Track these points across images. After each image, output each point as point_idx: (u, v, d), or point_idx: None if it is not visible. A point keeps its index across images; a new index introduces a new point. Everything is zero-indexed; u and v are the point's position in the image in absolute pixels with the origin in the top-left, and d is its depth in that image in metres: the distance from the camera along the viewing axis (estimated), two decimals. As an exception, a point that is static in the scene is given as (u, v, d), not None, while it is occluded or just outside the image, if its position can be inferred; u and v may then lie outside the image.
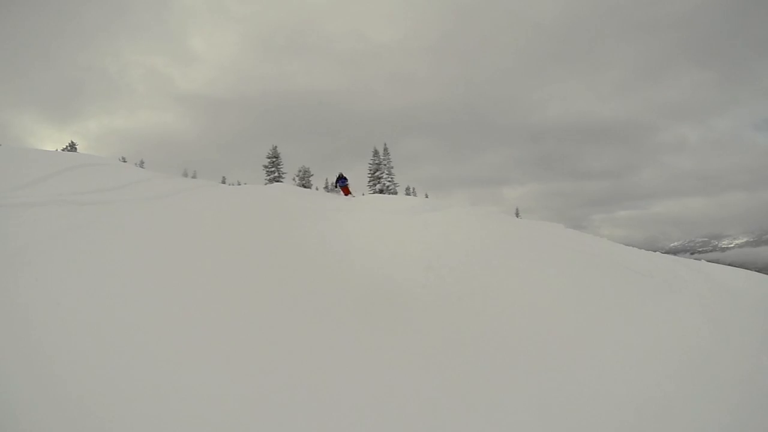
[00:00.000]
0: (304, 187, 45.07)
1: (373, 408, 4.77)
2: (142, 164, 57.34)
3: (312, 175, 54.18)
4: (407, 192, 57.87)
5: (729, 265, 14.19)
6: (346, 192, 27.83)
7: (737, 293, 10.44)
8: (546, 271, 9.41)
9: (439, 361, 5.93)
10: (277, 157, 50.74)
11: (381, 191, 47.96)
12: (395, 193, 47.64)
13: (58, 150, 40.57)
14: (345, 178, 27.86)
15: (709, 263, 14.34)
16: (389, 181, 50.58)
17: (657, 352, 7.14)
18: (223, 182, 49.54)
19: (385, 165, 51.00)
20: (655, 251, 15.24)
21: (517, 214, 53.81)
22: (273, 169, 50.27)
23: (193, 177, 51.41)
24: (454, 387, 5.35)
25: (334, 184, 29.58)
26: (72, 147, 53.31)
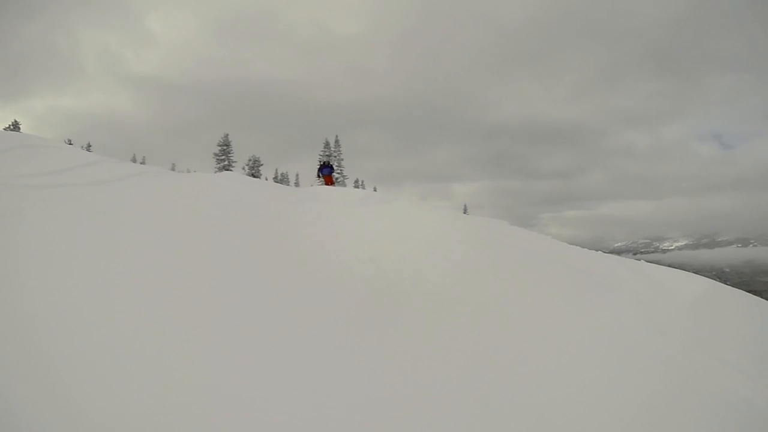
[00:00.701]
0: (254, 176, 44.58)
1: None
2: (89, 147, 56.01)
3: (262, 165, 53.84)
4: (356, 184, 57.99)
5: (668, 266, 14.62)
6: (330, 182, 26.23)
7: (675, 292, 10.83)
8: (487, 266, 9.43)
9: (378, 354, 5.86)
10: (228, 145, 50.37)
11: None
12: (344, 185, 47.66)
13: (-1, 129, 39.12)
14: (331, 167, 26.45)
15: (649, 263, 14.83)
16: (338, 173, 50.64)
17: (594, 348, 7.29)
18: (173, 169, 48.79)
19: (335, 157, 51.06)
20: (599, 251, 15.57)
21: (465, 211, 54.38)
22: (223, 157, 49.89)
23: (142, 163, 50.42)
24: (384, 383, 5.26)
25: (318, 173, 27.26)
26: (15, 126, 51.66)
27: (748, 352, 9.01)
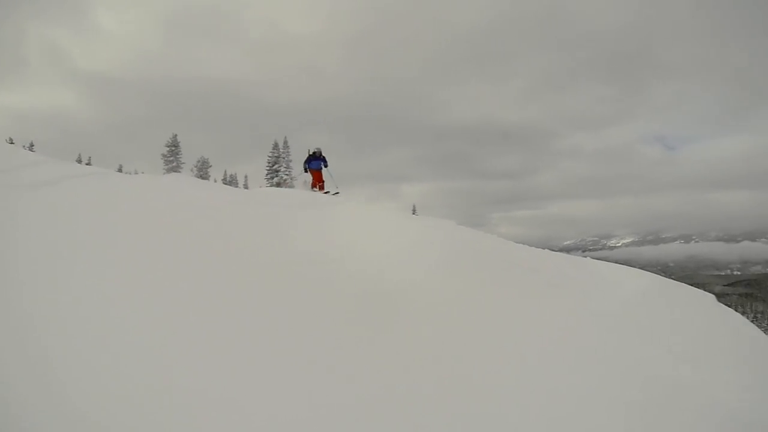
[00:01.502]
0: (202, 178, 43.70)
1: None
2: (31, 147, 54.27)
3: (211, 166, 53.08)
4: (305, 186, 57.56)
5: (616, 262, 14.98)
6: (318, 180, 20.24)
7: (620, 287, 11.09)
8: (434, 267, 9.34)
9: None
10: (176, 145, 49.27)
11: (278, 184, 47.47)
12: (292, 186, 47.32)
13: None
14: (323, 159, 19.98)
15: (595, 260, 15.23)
16: (287, 174, 50.25)
17: (542, 346, 7.25)
18: (120, 170, 47.47)
19: (283, 158, 50.68)
20: (548, 249, 15.72)
21: (413, 211, 54.48)
22: (172, 158, 48.75)
23: (88, 164, 49.05)
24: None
25: (304, 167, 20.73)
26: (-52, 124, 49.87)
27: (694, 342, 9.25)
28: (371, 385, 5.29)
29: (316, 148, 19.59)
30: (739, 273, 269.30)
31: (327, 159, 20.42)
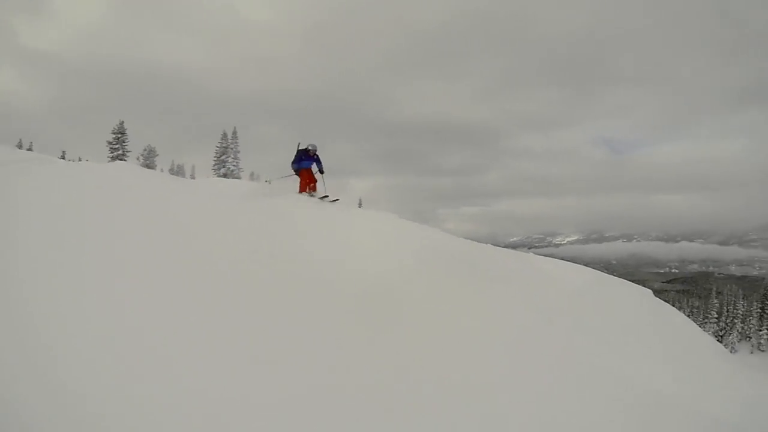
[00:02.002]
0: (148, 168, 42.64)
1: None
2: (-36, 130, 52.14)
3: (157, 156, 51.94)
4: (252, 177, 56.92)
5: (561, 259, 15.27)
6: (309, 181, 15.52)
7: (562, 282, 11.39)
8: (379, 258, 9.33)
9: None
10: (123, 133, 47.60)
11: (225, 175, 46.75)
12: (239, 177, 46.61)
13: None
14: (315, 158, 15.47)
15: (538, 256, 15.66)
16: (234, 165, 49.60)
17: (486, 338, 7.42)
18: (63, 157, 45.93)
19: (232, 149, 49.95)
20: (495, 245, 15.91)
21: (359, 205, 54.27)
22: (117, 146, 47.19)
23: (29, 149, 47.33)
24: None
25: (294, 164, 15.60)
26: None
27: (631, 334, 9.65)
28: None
29: (310, 145, 15.34)
30: (677, 271, 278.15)
31: (320, 159, 15.70)
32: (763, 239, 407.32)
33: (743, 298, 72.07)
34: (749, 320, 68.50)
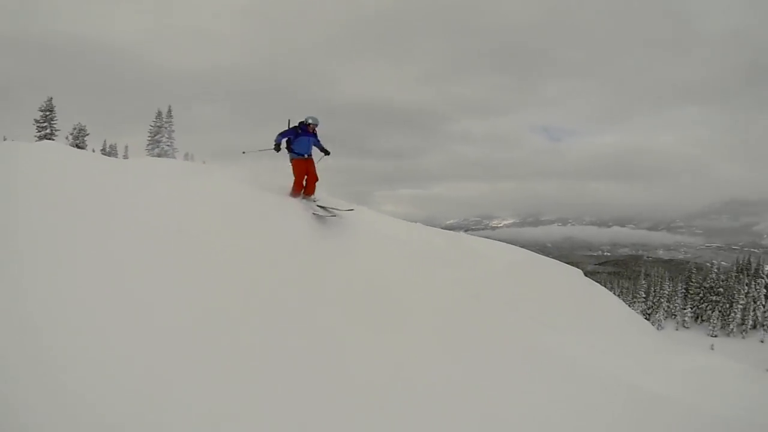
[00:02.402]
0: (78, 147, 41.02)
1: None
2: None
3: (88, 135, 50.08)
4: (186, 158, 55.53)
5: (497, 241, 15.45)
6: (308, 176, 10.81)
7: (491, 260, 11.58)
8: (303, 237, 9.21)
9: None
10: (51, 110, 45.11)
11: (159, 155, 45.45)
12: (174, 158, 45.37)
13: None
14: (312, 134, 10.81)
15: (468, 235, 16.41)
16: (168, 145, 48.27)
17: (415, 313, 7.52)
18: (-17, 136, 43.81)
19: (166, 128, 48.48)
20: (433, 227, 15.95)
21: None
22: (45, 124, 44.95)
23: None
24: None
25: (278, 143, 10.73)
26: None
27: (559, 310, 9.90)
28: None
29: (310, 118, 10.65)
30: (609, 254, 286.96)
31: (317, 135, 11.05)
32: (688, 226, 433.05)
33: (669, 279, 75.36)
34: (674, 300, 72.07)
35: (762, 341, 62.63)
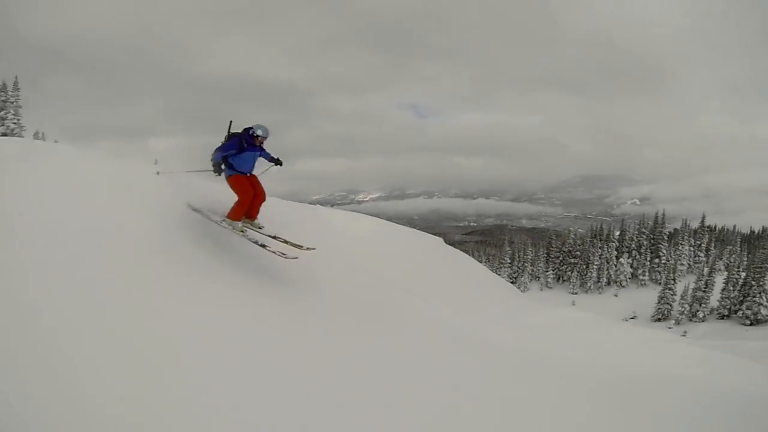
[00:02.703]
0: None
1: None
2: None
3: None
4: (36, 137, 51.15)
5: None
6: (257, 196, 8.84)
7: (345, 229, 11.52)
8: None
9: None
10: None
11: (5, 134, 41.41)
12: (22, 136, 41.49)
13: None
14: (259, 147, 8.76)
15: (325, 207, 16.59)
16: (15, 123, 43.95)
17: (264, 285, 7.57)
18: None
19: (12, 103, 44.07)
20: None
21: (156, 163, 51.57)
22: None
23: None
24: None
25: (217, 161, 8.64)
26: None
27: (419, 274, 9.99)
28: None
29: (258, 128, 8.65)
30: (475, 224, 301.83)
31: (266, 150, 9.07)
32: (548, 197, 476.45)
33: (532, 245, 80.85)
34: (537, 264, 77.74)
35: (616, 295, 69.61)
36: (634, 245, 76.04)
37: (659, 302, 59.56)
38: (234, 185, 8.55)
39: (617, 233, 78.83)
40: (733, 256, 68.56)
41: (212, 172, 8.75)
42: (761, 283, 52.96)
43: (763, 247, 59.48)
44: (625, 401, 6.35)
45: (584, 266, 73.91)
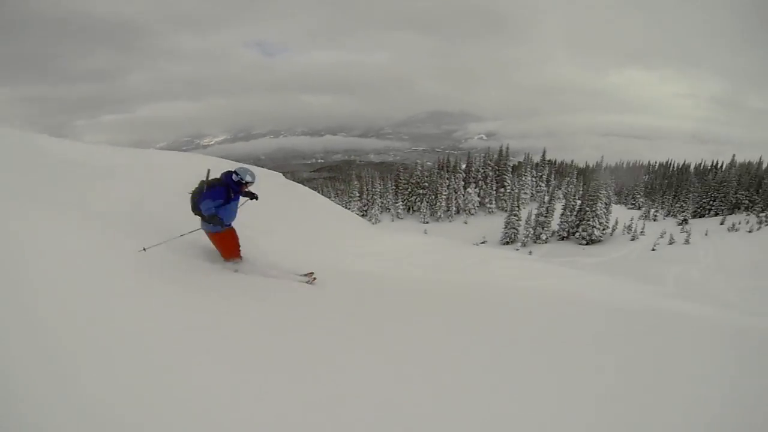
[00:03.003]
0: None
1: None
2: None
3: None
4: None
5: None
6: (233, 249, 7.59)
7: (173, 170, 11.59)
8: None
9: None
10: None
11: None
12: None
13: None
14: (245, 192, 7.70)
15: (156, 150, 16.46)
16: None
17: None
18: None
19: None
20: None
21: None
22: None
23: None
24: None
25: (218, 205, 7.12)
26: None
27: (256, 212, 9.56)
28: None
29: (249, 174, 7.42)
30: (323, 161, 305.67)
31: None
32: (396, 132, 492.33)
33: (380, 179, 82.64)
34: (386, 196, 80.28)
35: (465, 223, 74.27)
36: (480, 176, 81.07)
37: (506, 227, 66.41)
38: (225, 241, 7.43)
39: (464, 165, 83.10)
40: (571, 186, 77.43)
41: (208, 229, 7.32)
42: (594, 209, 62.06)
43: (595, 179, 67.02)
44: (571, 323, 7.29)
45: (433, 196, 77.46)
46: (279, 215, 10.34)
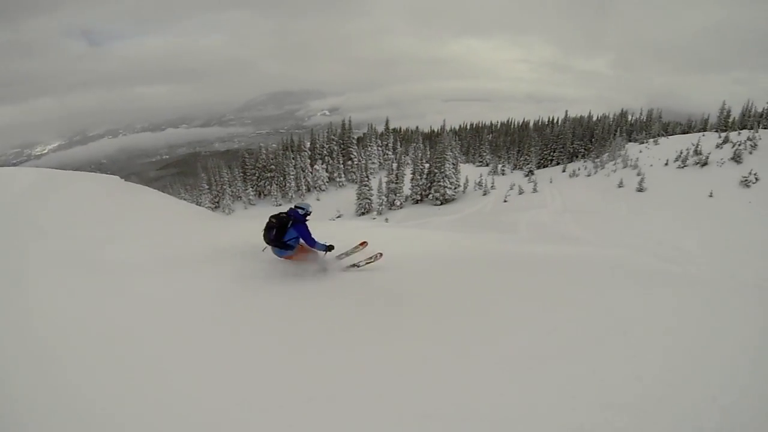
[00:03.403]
0: None
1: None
2: None
3: None
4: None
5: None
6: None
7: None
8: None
9: None
10: None
11: None
12: None
13: None
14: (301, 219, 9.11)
15: None
16: None
17: None
18: None
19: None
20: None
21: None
22: None
23: None
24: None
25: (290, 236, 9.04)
26: None
27: (97, 218, 9.83)
28: None
29: (309, 207, 9.51)
30: (168, 157, 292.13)
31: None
32: (239, 118, 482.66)
33: (227, 167, 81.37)
34: (235, 184, 79.63)
35: (318, 200, 74.90)
36: (326, 152, 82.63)
37: (359, 198, 68.05)
38: (303, 250, 9.33)
39: (308, 143, 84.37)
40: (418, 151, 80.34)
41: (284, 255, 9.23)
42: (443, 170, 65.15)
43: (440, 142, 70.03)
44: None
45: (282, 178, 78.15)
46: (122, 222, 10.26)
